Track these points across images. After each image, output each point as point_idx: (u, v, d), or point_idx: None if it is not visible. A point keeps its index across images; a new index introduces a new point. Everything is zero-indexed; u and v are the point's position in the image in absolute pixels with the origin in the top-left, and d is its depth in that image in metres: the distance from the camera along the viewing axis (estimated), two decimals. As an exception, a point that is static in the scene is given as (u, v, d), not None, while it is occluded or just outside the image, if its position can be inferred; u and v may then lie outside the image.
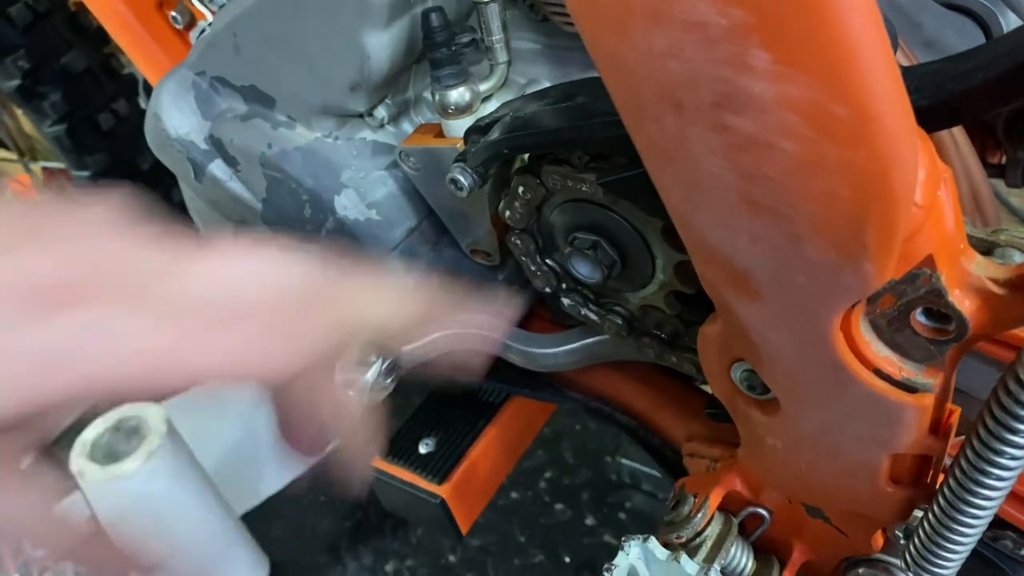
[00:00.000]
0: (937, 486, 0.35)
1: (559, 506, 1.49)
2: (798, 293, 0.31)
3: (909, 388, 0.32)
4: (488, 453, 0.66)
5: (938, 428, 0.34)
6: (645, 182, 0.39)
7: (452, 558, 1.46)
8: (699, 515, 0.43)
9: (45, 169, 1.49)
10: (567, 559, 1.43)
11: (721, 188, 0.29)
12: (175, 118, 0.56)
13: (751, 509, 0.44)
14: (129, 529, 0.91)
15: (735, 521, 0.44)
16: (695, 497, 0.44)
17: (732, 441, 0.51)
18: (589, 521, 1.46)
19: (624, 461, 1.47)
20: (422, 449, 0.65)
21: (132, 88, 1.20)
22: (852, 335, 0.32)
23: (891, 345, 0.33)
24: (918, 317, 0.32)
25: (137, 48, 0.76)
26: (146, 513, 0.94)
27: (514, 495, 1.50)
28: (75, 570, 1.55)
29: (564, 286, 0.50)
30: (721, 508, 0.44)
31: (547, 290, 0.50)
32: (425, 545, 1.45)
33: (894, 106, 0.24)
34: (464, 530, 0.65)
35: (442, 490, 0.63)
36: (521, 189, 0.45)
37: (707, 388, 0.54)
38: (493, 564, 1.44)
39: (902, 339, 0.32)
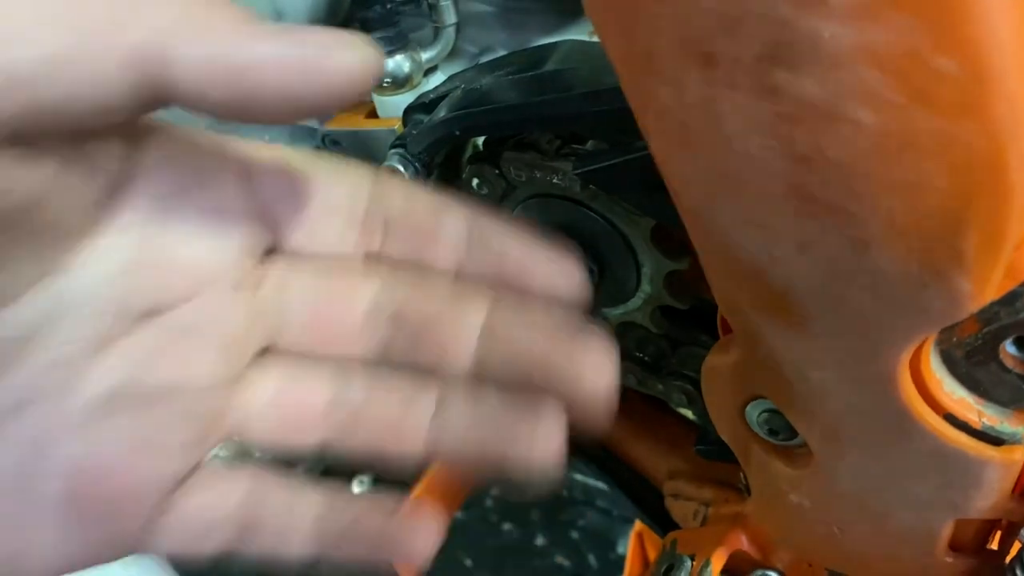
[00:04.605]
0: (1009, 555, 0.28)
1: (507, 525, 1.39)
2: (859, 319, 0.23)
3: (992, 439, 0.25)
4: (433, 492, 0.57)
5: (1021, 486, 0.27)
6: (636, 172, 0.31)
7: (391, 586, 1.36)
8: (700, 584, 0.35)
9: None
10: (517, 584, 1.34)
11: (762, 177, 0.21)
12: None
13: (761, 572, 0.37)
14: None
15: (742, 588, 0.36)
16: (692, 560, 0.36)
17: (727, 481, 0.43)
18: (540, 541, 1.38)
19: (576, 476, 1.39)
20: (356, 489, 0.58)
21: None
22: (920, 371, 0.25)
23: (969, 384, 0.25)
24: (1008, 348, 0.24)
25: None
26: None
27: (458, 514, 1.40)
28: None
29: (526, 300, 0.41)
30: (725, 570, 0.36)
31: (505, 305, 0.41)
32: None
33: (1021, 61, 0.17)
34: (404, 591, 0.56)
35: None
36: (476, 182, 0.36)
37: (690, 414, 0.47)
38: (437, 591, 1.35)
39: (984, 376, 0.25)
